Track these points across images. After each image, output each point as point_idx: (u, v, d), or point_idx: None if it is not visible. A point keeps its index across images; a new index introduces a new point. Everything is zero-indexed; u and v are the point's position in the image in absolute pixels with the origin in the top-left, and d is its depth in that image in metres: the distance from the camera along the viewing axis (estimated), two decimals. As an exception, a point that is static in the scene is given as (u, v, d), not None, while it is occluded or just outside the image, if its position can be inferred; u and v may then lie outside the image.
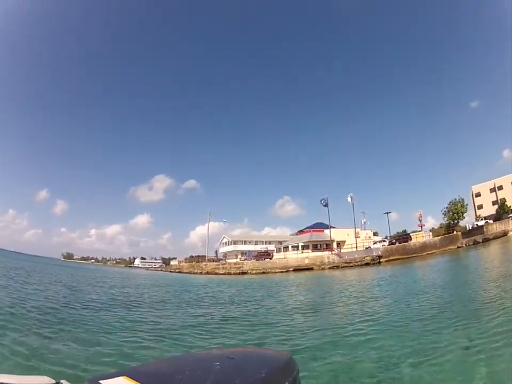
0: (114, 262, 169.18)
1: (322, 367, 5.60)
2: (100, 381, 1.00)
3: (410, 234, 51.12)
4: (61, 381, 1.25)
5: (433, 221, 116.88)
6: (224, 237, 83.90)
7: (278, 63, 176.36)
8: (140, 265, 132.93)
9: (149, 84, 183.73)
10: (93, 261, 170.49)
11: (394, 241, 48.88)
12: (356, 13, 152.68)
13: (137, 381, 1.01)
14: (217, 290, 22.15)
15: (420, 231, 50.68)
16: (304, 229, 68.44)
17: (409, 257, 39.88)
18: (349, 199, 54.66)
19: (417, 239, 46.35)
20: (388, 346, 6.55)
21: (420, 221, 51.81)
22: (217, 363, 1.10)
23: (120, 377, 1.03)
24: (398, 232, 58.41)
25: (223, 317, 11.16)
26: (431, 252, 41.48)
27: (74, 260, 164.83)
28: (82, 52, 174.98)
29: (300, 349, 6.68)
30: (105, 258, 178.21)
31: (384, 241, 51.95)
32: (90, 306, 12.38)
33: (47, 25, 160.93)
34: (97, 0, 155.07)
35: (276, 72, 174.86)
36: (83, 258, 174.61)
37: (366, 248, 46.87)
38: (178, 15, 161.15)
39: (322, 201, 54.89)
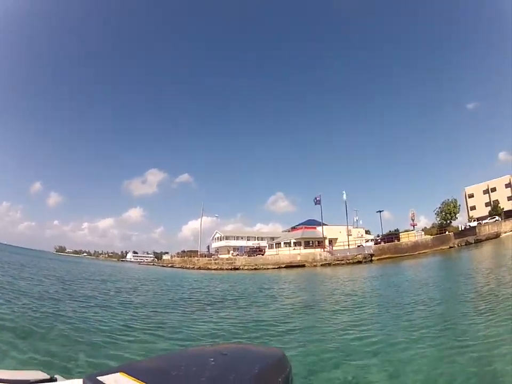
0: (106, 255, 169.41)
1: (313, 365, 5.61)
2: (98, 377, 1.02)
3: (402, 233, 51.37)
4: (55, 376, 1.25)
5: (426, 220, 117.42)
6: (216, 232, 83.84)
7: (277, 62, 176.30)
8: (132, 259, 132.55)
9: (144, 79, 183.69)
10: (85, 254, 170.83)
11: (379, 240, 48.92)
12: (356, 13, 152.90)
13: (134, 377, 1.02)
14: (209, 286, 22.19)
15: (412, 230, 50.82)
16: (297, 225, 68.33)
17: (401, 256, 40.05)
18: (344, 197, 54.95)
19: (409, 238, 46.44)
20: (379, 345, 6.57)
21: (412, 220, 51.96)
22: (212, 359, 1.11)
23: (117, 373, 1.03)
24: (390, 231, 58.22)
25: (216, 313, 11.20)
26: (423, 252, 41.61)
27: (66, 253, 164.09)
28: (81, 50, 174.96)
29: (291, 346, 6.67)
30: (98, 251, 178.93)
31: (372, 240, 52.01)
32: (84, 302, 12.29)
33: (47, 25, 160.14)
34: (97, 0, 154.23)
35: (274, 71, 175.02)
36: (75, 252, 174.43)
37: (358, 246, 47.13)
38: (178, 15, 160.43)
39: (315, 200, 55.14)
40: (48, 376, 1.24)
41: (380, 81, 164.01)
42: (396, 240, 46.17)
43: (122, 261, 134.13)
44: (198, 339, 7.60)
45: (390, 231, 56.63)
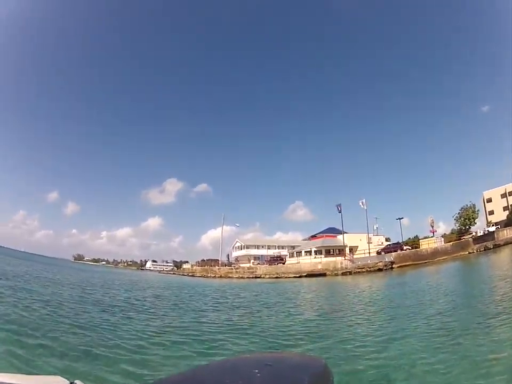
0: (125, 264, 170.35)
1: (344, 373, 5.80)
2: None
3: (422, 240, 51.74)
4: (75, 381, 1.24)
5: (445, 226, 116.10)
6: (237, 241, 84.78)
7: (287, 64, 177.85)
8: (152, 268, 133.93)
9: (162, 89, 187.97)
10: (103, 262, 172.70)
11: (380, 250, 48.34)
12: (364, 14, 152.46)
13: None
14: (234, 295, 22.77)
15: (432, 236, 51.06)
16: (317, 234, 68.60)
17: (421, 263, 40.45)
18: (361, 205, 55.51)
19: (429, 245, 46.86)
20: (409, 355, 6.79)
21: (432, 226, 52.38)
22: (256, 370, 1.04)
23: None
24: (409, 238, 58.78)
25: (242, 322, 11.51)
26: (443, 258, 41.93)
27: (85, 261, 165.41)
28: (90, 52, 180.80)
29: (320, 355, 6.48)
30: (116, 260, 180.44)
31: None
32: (110, 311, 12.49)
33: (50, 28, 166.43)
34: (97, 1, 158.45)
35: (284, 74, 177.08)
36: (94, 260, 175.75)
37: (377, 252, 47.62)
38: (182, 17, 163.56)
39: (337, 208, 55.69)
40: (67, 382, 1.23)
41: (392, 83, 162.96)
42: (399, 250, 46.02)
43: (141, 269, 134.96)
44: (227, 349, 7.58)
45: (409, 238, 57.26)
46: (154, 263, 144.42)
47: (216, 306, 16.02)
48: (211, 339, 8.52)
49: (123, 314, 12.11)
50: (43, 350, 6.52)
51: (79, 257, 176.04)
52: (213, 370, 1.14)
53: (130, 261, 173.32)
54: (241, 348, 7.75)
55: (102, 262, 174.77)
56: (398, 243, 51.63)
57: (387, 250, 47.42)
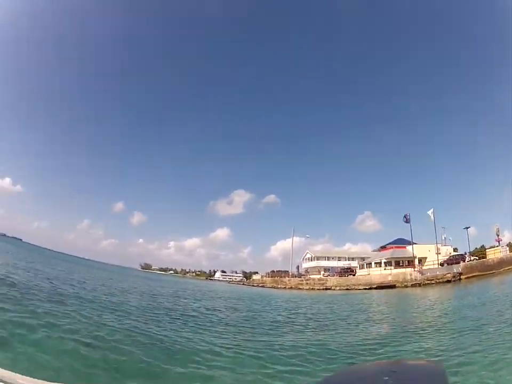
0: (193, 274, 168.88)
1: None
2: None
3: (488, 249, 51.75)
4: None
5: (510, 235, 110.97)
6: (307, 253, 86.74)
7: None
8: (221, 278, 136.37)
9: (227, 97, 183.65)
10: (171, 272, 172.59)
11: (443, 262, 48.71)
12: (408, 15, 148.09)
13: None
14: (307, 306, 23.49)
15: (498, 246, 50.55)
16: (386, 245, 68.46)
17: (487, 274, 40.97)
18: (430, 215, 55.44)
19: (495, 254, 46.70)
20: (487, 367, 6.82)
21: (497, 235, 50.90)
22: (386, 378, 1.04)
23: None
24: (476, 248, 58.86)
25: (319, 334, 11.73)
26: (508, 268, 41.53)
27: (152, 270, 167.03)
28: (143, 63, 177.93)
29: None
30: (184, 270, 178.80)
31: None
32: (181, 321, 12.52)
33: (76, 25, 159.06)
34: (97, 1, 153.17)
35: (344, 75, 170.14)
36: (161, 269, 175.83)
37: (441, 264, 48.26)
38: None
39: (405, 218, 56.58)
40: None
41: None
42: (462, 261, 45.65)
43: (210, 279, 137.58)
44: (306, 366, 7.45)
45: (476, 248, 57.79)
46: (223, 274, 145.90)
47: (290, 318, 16.21)
48: (288, 355, 8.37)
49: (194, 324, 12.08)
50: (111, 363, 6.49)
51: (147, 266, 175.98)
52: (346, 377, 1.21)
53: (199, 271, 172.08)
54: (323, 364, 7.57)
55: (169, 271, 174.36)
56: (462, 254, 51.04)
57: (450, 261, 47.85)
